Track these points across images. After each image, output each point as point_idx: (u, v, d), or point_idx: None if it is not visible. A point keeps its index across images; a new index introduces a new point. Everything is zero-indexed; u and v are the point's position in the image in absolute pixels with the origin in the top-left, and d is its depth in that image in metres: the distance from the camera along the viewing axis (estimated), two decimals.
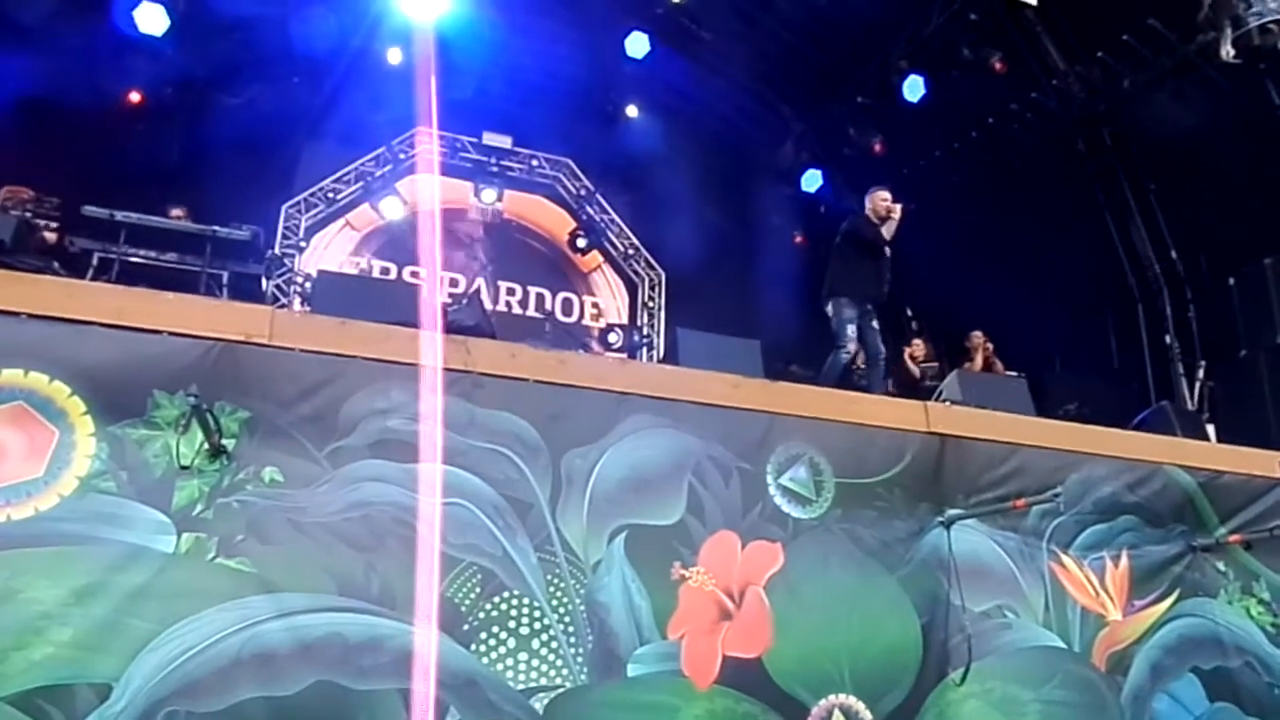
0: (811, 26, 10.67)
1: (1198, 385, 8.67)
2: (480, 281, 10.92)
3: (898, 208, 6.66)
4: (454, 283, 10.93)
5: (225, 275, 6.04)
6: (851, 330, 6.53)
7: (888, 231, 6.65)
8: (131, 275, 5.59)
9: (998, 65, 9.37)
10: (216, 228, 6.09)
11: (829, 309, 6.66)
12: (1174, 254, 9.56)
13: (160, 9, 8.56)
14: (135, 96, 9.44)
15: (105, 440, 3.29)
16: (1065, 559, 4.87)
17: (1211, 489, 5.29)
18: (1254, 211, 8.08)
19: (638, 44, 10.51)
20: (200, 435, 3.37)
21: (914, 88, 9.95)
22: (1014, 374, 7.67)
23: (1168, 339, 9.43)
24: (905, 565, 4.47)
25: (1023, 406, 5.44)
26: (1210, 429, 6.82)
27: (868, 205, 6.83)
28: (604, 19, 10.55)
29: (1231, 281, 8.70)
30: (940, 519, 4.60)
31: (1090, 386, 8.29)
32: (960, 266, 9.59)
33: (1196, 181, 8.87)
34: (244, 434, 3.49)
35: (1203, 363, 8.81)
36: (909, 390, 7.66)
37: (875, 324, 6.74)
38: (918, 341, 8.85)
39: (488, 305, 10.41)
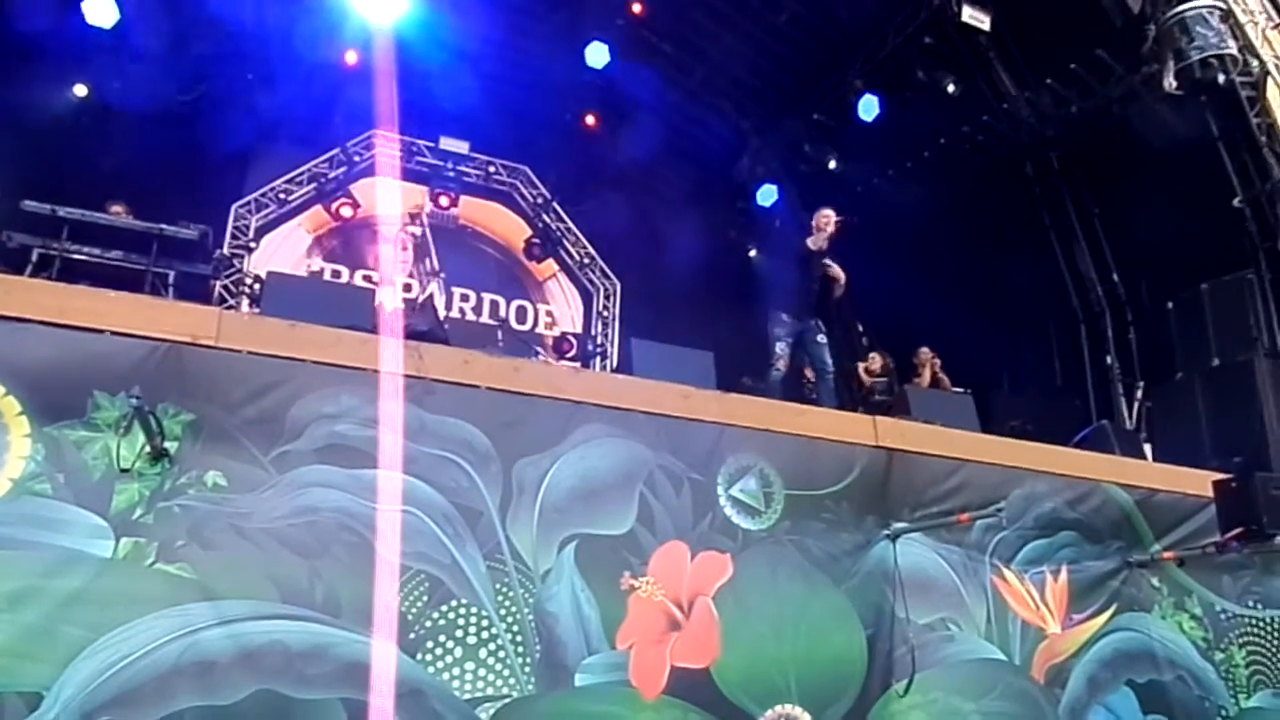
0: (770, 44, 10.81)
1: (1136, 405, 8.92)
2: (434, 287, 10.82)
3: (833, 221, 6.67)
4: (407, 288, 10.82)
5: (171, 275, 5.90)
6: (780, 348, 6.53)
7: (814, 242, 6.64)
8: (73, 273, 5.44)
9: (951, 88, 9.58)
10: (163, 226, 5.96)
11: (768, 323, 6.71)
12: (1116, 277, 9.85)
13: (110, 1, 8.37)
14: (82, 90, 9.21)
15: (41, 441, 3.20)
16: (1007, 573, 4.97)
17: (1148, 507, 5.44)
18: (1193, 238, 8.33)
19: (598, 54, 10.54)
20: (142, 438, 3.29)
21: (869, 107, 10.13)
22: (960, 390, 7.81)
23: (1109, 359, 9.69)
24: (852, 577, 4.52)
25: (969, 422, 5.54)
26: (1147, 448, 7.00)
27: (814, 222, 6.93)
28: (565, 28, 10.57)
29: (1170, 305, 8.94)
30: (886, 532, 4.67)
31: (1034, 404, 8.47)
32: (910, 283, 9.75)
33: (1139, 207, 9.14)
34: (187, 437, 3.42)
35: (1141, 383, 9.06)
36: (864, 403, 7.76)
37: (821, 338, 6.70)
38: (874, 355, 8.96)
39: (441, 311, 10.30)
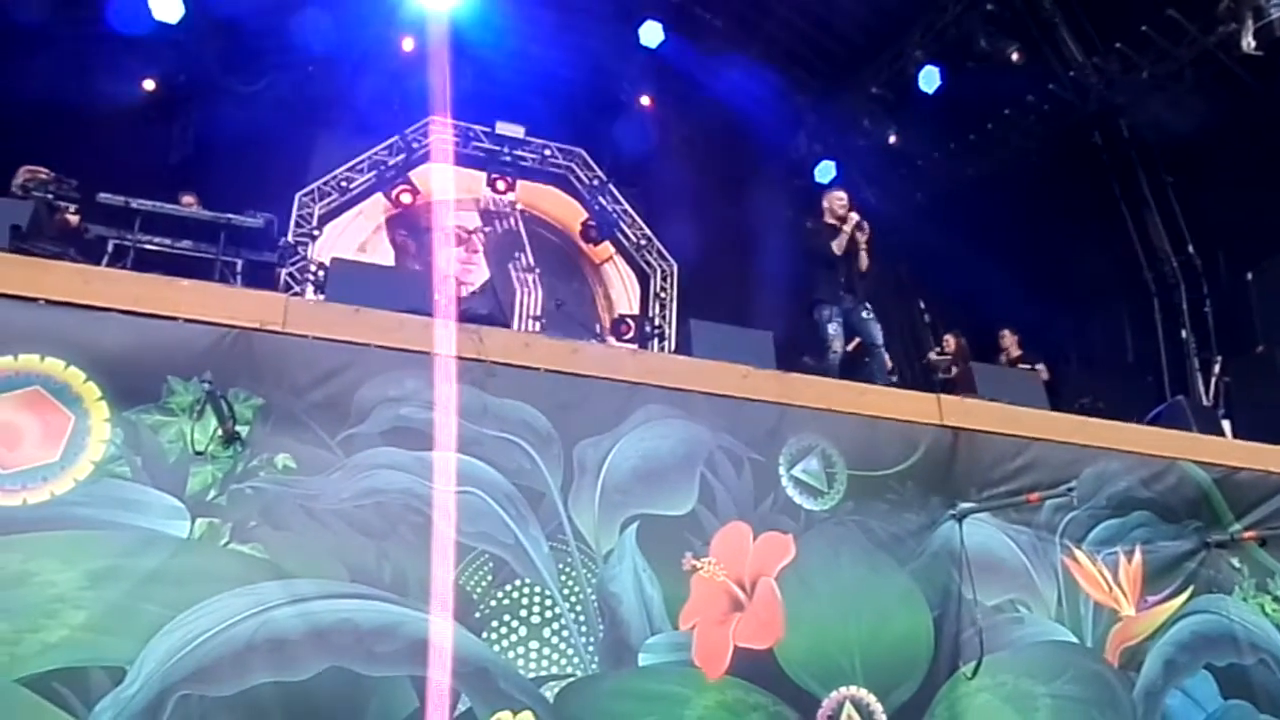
0: (827, 16, 10.62)
1: (1213, 381, 8.61)
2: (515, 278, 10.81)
3: (853, 217, 6.55)
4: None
5: (239, 263, 6.06)
6: (832, 329, 6.53)
7: (839, 245, 6.53)
8: (146, 262, 5.62)
9: (1015, 56, 9.30)
10: (231, 215, 6.11)
11: (814, 309, 6.69)
12: (1191, 248, 9.49)
13: None
14: (149, 84, 9.46)
15: (120, 425, 3.31)
16: (1078, 553, 4.85)
17: (1227, 485, 5.25)
18: (1273, 206, 7.99)
19: (651, 33, 10.48)
20: (214, 421, 3.38)
21: (930, 79, 9.89)
22: (1028, 366, 7.62)
23: (1184, 334, 9.36)
24: (917, 558, 4.45)
25: (1037, 400, 5.41)
26: (1226, 425, 6.77)
27: (824, 204, 6.81)
28: (618, 8, 10.52)
29: (1249, 276, 8.62)
30: (952, 512, 4.57)
31: (1104, 381, 8.25)
32: (974, 259, 9.53)
33: (1215, 175, 8.79)
34: (258, 421, 3.50)
35: (1219, 358, 8.73)
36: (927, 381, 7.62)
37: (866, 313, 6.66)
38: (948, 338, 8.79)
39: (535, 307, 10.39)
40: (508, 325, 4.56)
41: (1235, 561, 5.22)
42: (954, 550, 4.49)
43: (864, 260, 6.66)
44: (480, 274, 10.83)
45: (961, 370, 7.78)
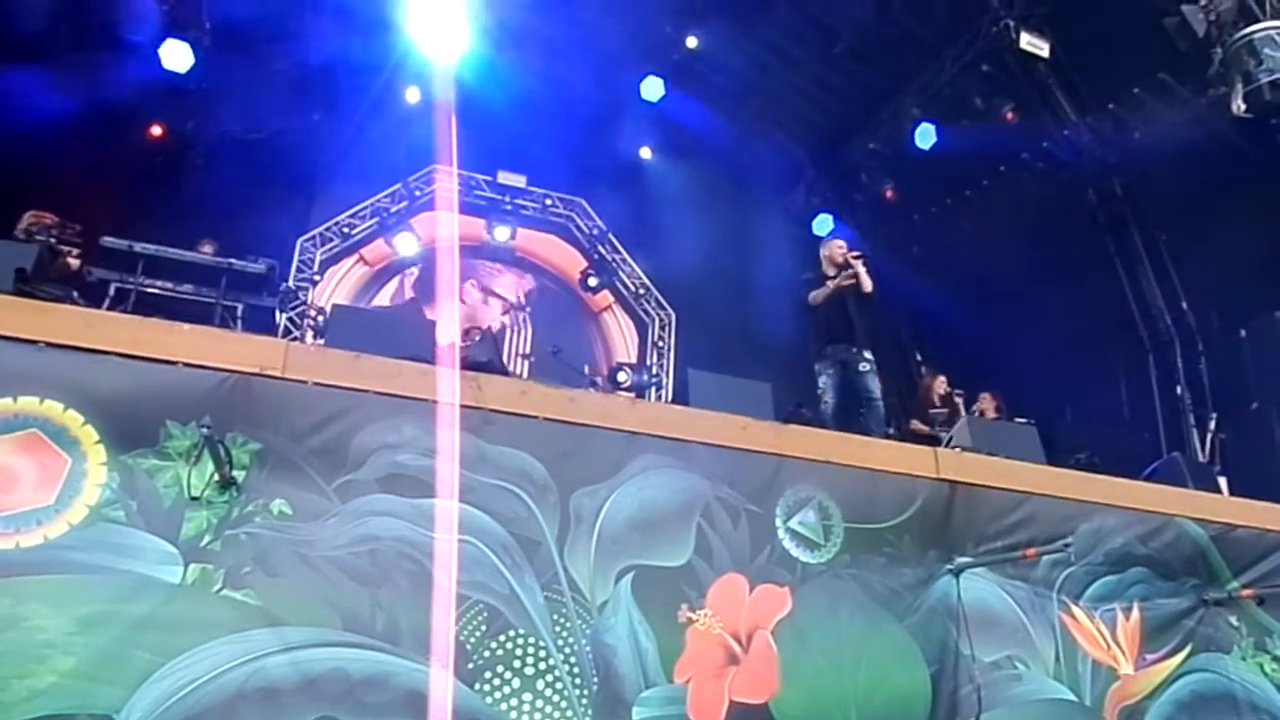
0: (826, 74, 10.81)
1: (1209, 437, 8.62)
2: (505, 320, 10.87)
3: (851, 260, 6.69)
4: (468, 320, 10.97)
5: (240, 308, 6.06)
6: (823, 381, 6.64)
7: (822, 294, 6.70)
8: (147, 306, 5.62)
9: (1009, 115, 9.47)
10: (233, 260, 6.13)
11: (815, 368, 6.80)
12: (1185, 305, 9.56)
13: (185, 46, 8.72)
14: (157, 130, 9.59)
15: (116, 469, 3.30)
16: (1076, 610, 4.82)
17: (1224, 542, 5.24)
18: (1265, 263, 8.08)
19: (653, 88, 10.66)
20: (211, 466, 3.37)
21: (926, 135, 10.06)
22: (1024, 421, 7.62)
23: (1179, 390, 9.39)
24: (914, 613, 4.42)
25: (1033, 454, 5.41)
26: (1222, 482, 6.76)
27: (822, 253, 6.96)
28: (620, 63, 10.71)
29: (1243, 333, 8.68)
30: (949, 567, 4.56)
31: (1100, 436, 8.23)
32: (969, 313, 9.60)
33: (1208, 232, 8.89)
34: (254, 466, 3.49)
35: (1214, 414, 8.75)
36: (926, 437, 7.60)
37: (864, 366, 6.69)
38: (940, 378, 8.78)
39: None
40: (506, 373, 4.57)
41: (1233, 620, 5.19)
42: (951, 605, 4.47)
43: (866, 283, 6.71)
44: (482, 322, 10.89)
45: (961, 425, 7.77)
